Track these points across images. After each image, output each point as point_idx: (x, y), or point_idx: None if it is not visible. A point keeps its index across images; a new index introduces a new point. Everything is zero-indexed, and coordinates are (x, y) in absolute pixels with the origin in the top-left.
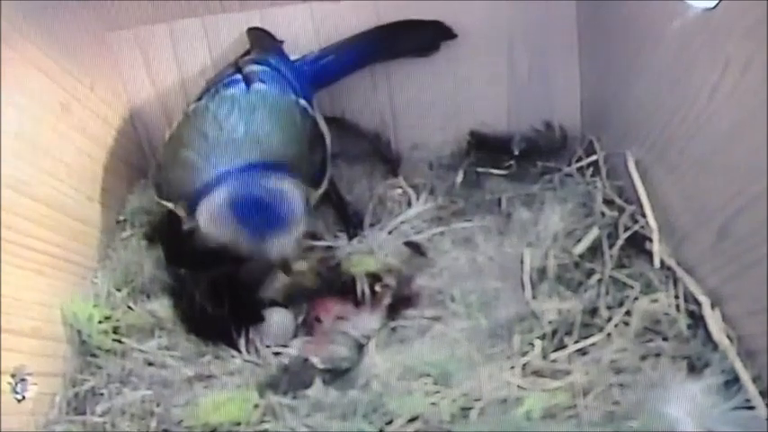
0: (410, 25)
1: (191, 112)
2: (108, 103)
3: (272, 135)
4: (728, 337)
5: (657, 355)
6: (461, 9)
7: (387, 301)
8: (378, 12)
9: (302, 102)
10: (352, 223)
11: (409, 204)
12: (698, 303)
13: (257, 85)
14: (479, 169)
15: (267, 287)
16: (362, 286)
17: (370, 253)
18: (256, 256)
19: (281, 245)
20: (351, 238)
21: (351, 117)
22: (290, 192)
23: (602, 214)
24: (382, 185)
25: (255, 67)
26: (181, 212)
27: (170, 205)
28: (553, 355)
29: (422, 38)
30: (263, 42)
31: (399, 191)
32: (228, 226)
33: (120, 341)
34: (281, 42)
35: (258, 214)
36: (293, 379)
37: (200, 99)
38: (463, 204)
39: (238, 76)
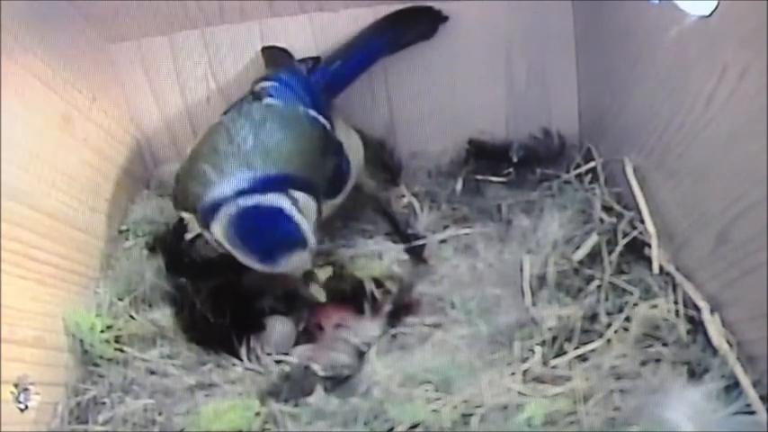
0: (406, 15)
1: (210, 127)
2: (109, 113)
3: (281, 145)
4: (728, 342)
5: (657, 360)
6: (459, 19)
7: (387, 308)
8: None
9: (311, 112)
10: (406, 237)
11: (415, 214)
12: (697, 309)
13: (267, 100)
14: (479, 177)
15: (268, 295)
16: (370, 288)
17: (374, 258)
18: (270, 272)
19: (292, 262)
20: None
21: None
22: (292, 210)
23: (601, 221)
24: (385, 195)
25: (266, 83)
26: (194, 224)
27: (186, 215)
28: (553, 362)
29: (420, 25)
30: (275, 60)
31: (404, 200)
32: (237, 247)
33: (121, 350)
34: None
35: (261, 236)
36: (294, 387)
37: (225, 113)
38: (463, 212)
39: (251, 96)
